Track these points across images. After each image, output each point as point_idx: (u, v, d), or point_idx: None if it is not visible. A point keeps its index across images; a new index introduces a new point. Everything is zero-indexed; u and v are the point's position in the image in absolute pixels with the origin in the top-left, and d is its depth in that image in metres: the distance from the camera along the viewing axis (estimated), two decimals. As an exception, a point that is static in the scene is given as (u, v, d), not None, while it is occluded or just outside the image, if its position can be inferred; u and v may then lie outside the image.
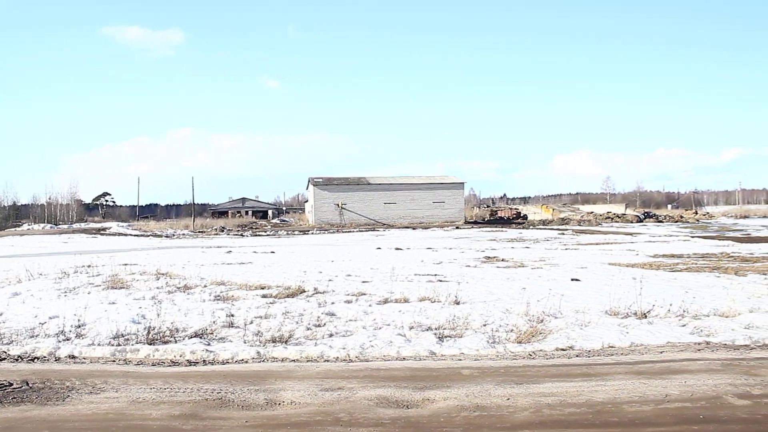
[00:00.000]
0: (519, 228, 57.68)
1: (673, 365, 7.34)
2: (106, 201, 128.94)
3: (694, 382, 6.58)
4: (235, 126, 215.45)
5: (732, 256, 21.88)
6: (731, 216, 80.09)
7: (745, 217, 77.84)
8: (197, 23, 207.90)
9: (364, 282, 15.18)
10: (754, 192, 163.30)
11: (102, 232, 60.70)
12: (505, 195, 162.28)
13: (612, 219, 71.29)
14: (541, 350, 8.28)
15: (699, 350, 8.23)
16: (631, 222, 67.70)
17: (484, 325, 9.74)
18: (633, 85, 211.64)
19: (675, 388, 6.33)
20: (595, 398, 6.00)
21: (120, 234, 56.69)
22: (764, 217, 78.09)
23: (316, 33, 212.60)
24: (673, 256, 22.70)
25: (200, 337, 9.11)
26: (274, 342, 8.78)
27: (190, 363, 7.77)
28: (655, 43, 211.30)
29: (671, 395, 6.11)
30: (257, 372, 7.18)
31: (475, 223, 74.13)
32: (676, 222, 66.76)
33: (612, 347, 8.47)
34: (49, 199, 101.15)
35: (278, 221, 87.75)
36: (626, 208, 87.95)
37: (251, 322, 10.02)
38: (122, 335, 9.16)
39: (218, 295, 12.86)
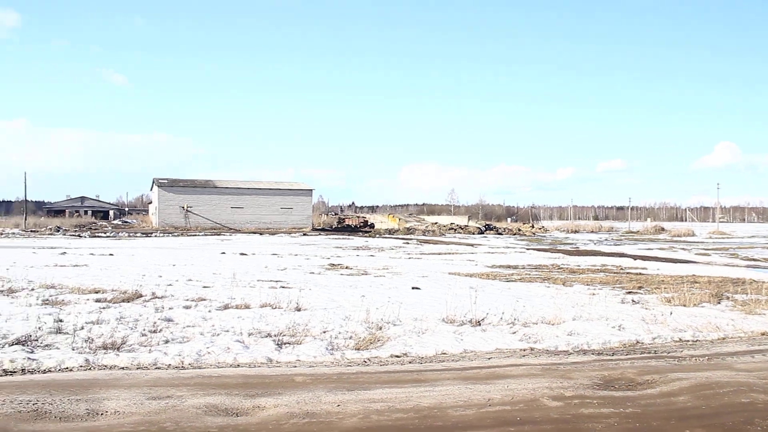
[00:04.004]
0: (365, 236, 58.51)
1: (499, 370, 7.71)
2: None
3: (516, 386, 6.93)
4: (75, 120, 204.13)
5: (561, 268, 23.33)
6: (564, 230, 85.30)
7: (576, 231, 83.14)
8: (35, 6, 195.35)
9: (205, 287, 14.86)
10: (584, 208, 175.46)
11: None
12: (353, 203, 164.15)
13: (455, 230, 73.80)
14: (376, 357, 8.44)
15: (524, 356, 8.69)
16: (473, 233, 70.45)
17: (324, 332, 9.79)
18: (477, 102, 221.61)
19: (498, 392, 6.65)
20: (422, 403, 6.18)
21: (-62, 232, 52.17)
22: (592, 232, 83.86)
23: (166, 27, 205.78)
24: (509, 266, 23.84)
25: (23, 345, 8.53)
26: (105, 349, 8.38)
27: (6, 372, 7.24)
28: (497, 63, 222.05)
29: (493, 399, 6.41)
30: (81, 381, 6.80)
31: (323, 230, 74.41)
32: (515, 235, 70.21)
33: (445, 354, 8.77)
34: None
35: (120, 222, 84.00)
36: (469, 220, 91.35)
37: (82, 328, 9.52)
38: (-73, 344, 8.41)
39: (47, 299, 12.13)
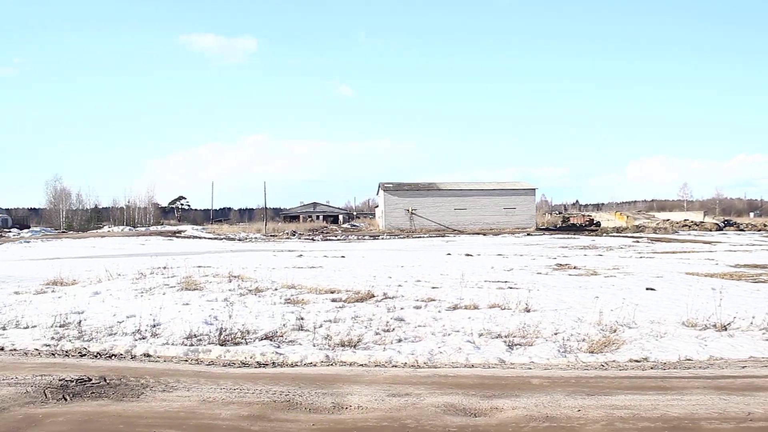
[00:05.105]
0: (591, 235, 56.49)
1: (757, 381, 7.00)
2: (182, 205, 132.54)
3: (780, 400, 6.25)
4: (306, 132, 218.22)
5: (821, 268, 20.89)
6: (820, 225, 76.31)
7: (836, 226, 73.94)
8: (270, 30, 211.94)
9: (433, 288, 15.09)
10: None
11: (177, 234, 62.47)
12: (577, 201, 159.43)
13: (689, 227, 69.06)
14: (613, 361, 8.05)
15: (785, 366, 7.84)
16: (710, 230, 65.45)
17: (555, 334, 9.54)
18: (712, 89, 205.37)
19: (759, 406, 6.02)
20: (670, 413, 5.77)
21: (194, 237, 58.23)
22: None
23: (387, 38, 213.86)
24: (756, 266, 21.81)
25: (270, 340, 9.23)
26: (342, 346, 8.80)
27: (259, 364, 7.87)
28: (733, 47, 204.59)
29: (755, 414, 5.81)
30: (325, 375, 7.21)
31: (547, 229, 72.92)
32: (759, 230, 64.17)
33: (689, 360, 8.17)
34: (128, 202, 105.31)
35: (349, 226, 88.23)
36: (705, 215, 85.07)
37: (320, 326, 10.08)
38: (195, 335, 9.37)
39: (288, 299, 12.99)
